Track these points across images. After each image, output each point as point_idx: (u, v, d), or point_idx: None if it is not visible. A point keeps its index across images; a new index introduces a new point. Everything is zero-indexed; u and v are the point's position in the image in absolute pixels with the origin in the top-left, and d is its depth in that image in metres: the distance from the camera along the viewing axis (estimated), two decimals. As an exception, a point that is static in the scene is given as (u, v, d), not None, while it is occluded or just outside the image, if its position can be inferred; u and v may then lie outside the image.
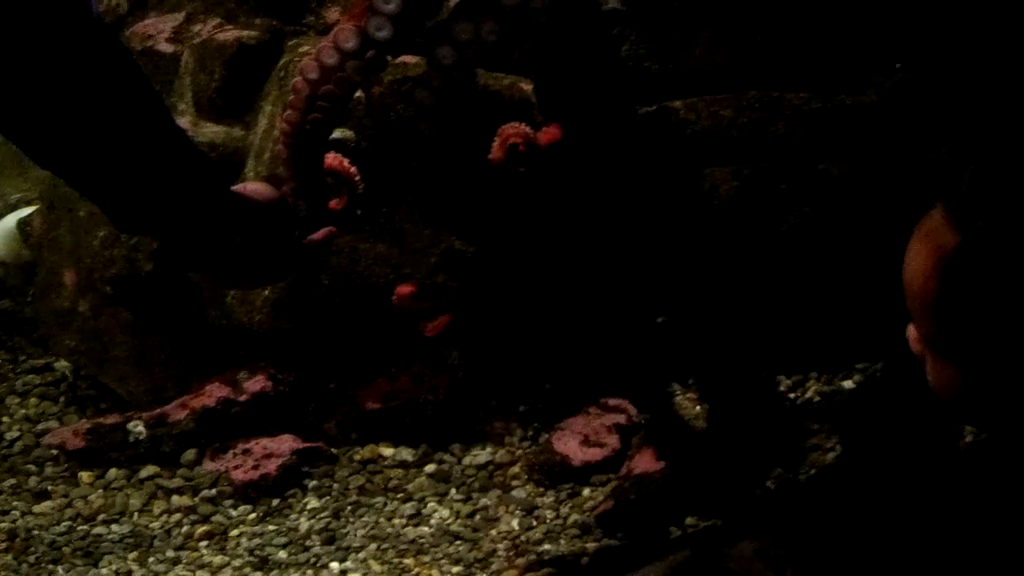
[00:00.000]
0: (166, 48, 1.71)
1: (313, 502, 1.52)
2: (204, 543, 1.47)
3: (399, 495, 1.52)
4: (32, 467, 1.65)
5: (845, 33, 1.55)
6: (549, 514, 1.46)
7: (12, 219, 1.98)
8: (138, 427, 1.59)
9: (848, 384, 1.59)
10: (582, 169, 1.52)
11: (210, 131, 1.62)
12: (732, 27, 1.57)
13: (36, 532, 1.51)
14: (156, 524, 1.51)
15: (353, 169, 1.26)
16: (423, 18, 1.10)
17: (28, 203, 2.08)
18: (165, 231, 1.09)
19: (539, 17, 1.01)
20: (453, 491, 1.52)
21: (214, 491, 1.54)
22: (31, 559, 1.46)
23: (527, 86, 1.57)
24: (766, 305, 1.59)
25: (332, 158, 1.23)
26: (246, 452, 1.54)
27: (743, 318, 1.60)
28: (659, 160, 1.58)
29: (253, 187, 1.11)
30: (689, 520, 1.39)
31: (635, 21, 1.62)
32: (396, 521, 1.47)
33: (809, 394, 1.60)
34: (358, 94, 1.27)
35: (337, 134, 1.42)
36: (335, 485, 1.54)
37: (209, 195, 1.04)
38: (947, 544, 1.01)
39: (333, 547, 1.43)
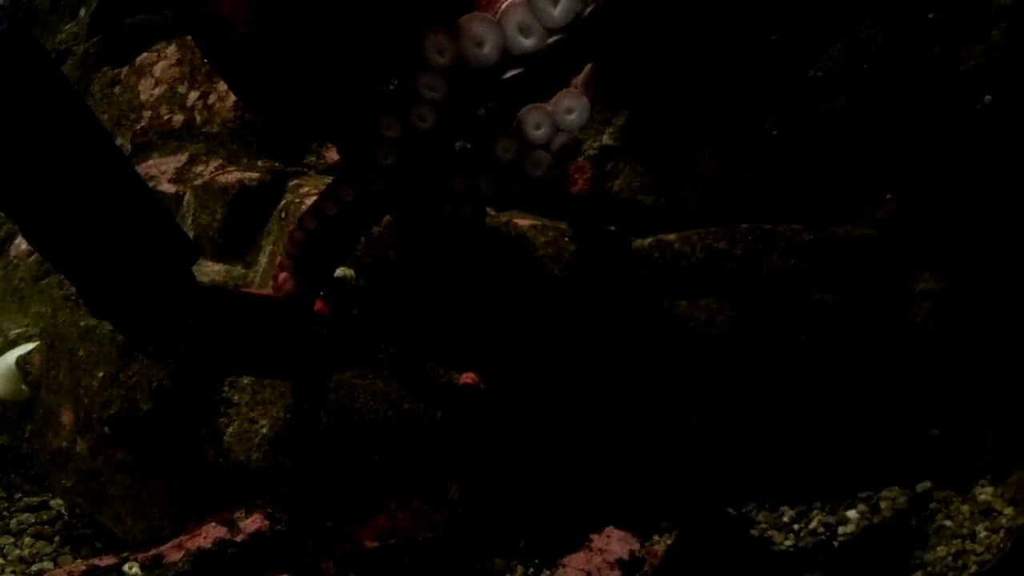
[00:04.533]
0: (169, 188, 1.75)
1: (311, 646, 1.48)
2: None
3: (398, 638, 1.49)
4: (26, 611, 1.62)
5: (835, 165, 1.58)
6: (551, 656, 1.43)
7: (12, 356, 1.98)
8: (133, 569, 1.56)
9: (852, 514, 1.58)
10: (577, 304, 1.53)
11: (211, 269, 1.64)
12: (723, 161, 1.61)
13: None
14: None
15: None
16: (422, 171, 1.12)
17: (28, 339, 2.09)
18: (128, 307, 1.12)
19: (534, 173, 1.03)
20: (453, 632, 1.49)
21: (210, 635, 1.51)
22: None
23: (523, 221, 1.59)
24: (767, 435, 1.59)
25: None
26: (243, 595, 1.51)
27: (743, 449, 1.60)
28: (655, 291, 1.60)
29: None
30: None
31: (628, 156, 1.66)
32: (395, 665, 1.44)
33: (813, 524, 1.58)
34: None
35: (338, 273, 1.45)
36: (333, 627, 1.51)
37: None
38: None
39: None
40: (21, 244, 2.33)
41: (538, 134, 1.02)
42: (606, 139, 1.69)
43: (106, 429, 1.59)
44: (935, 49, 1.49)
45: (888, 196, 1.59)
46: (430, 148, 1.05)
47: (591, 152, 1.69)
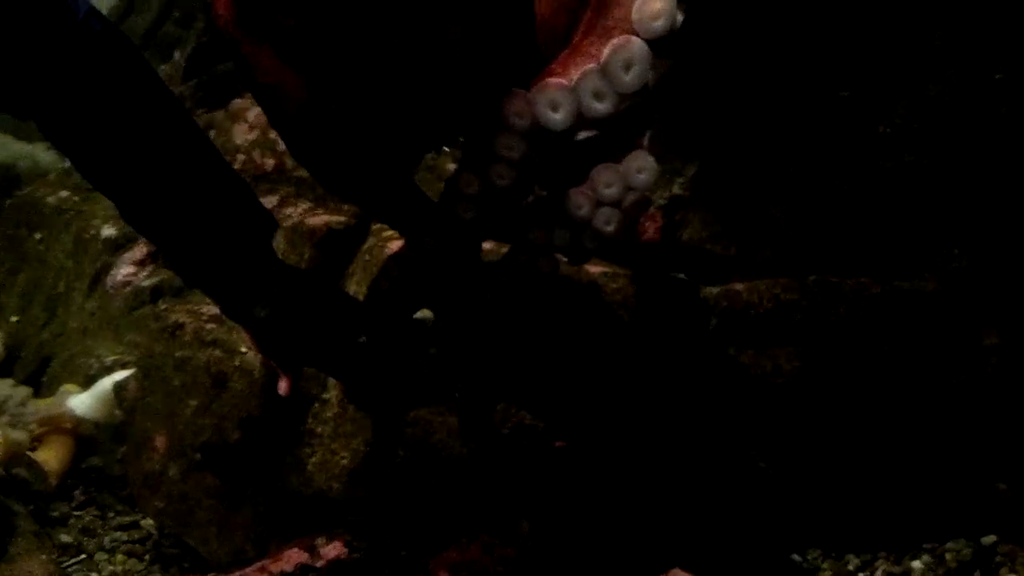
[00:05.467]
0: (261, 228, 1.84)
1: (384, 669, 1.54)
2: None
3: (469, 665, 1.54)
4: (119, 625, 1.71)
5: (903, 219, 1.61)
6: None
7: (108, 382, 2.09)
8: (218, 589, 1.65)
9: (917, 564, 1.59)
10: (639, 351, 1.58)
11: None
12: (792, 213, 1.64)
13: None
14: None
15: None
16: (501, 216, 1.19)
17: (122, 366, 2.20)
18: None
19: (605, 229, 1.10)
20: (521, 662, 1.53)
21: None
22: None
23: (594, 268, 1.65)
24: (833, 484, 1.61)
25: None
26: (321, 617, 1.58)
27: (810, 496, 1.62)
28: (722, 340, 1.63)
29: None
30: None
31: (698, 206, 1.71)
32: None
33: (878, 573, 1.59)
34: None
35: (418, 315, 1.52)
36: (406, 653, 1.57)
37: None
38: None
39: None
40: (117, 275, 2.45)
41: (610, 192, 1.09)
42: (676, 189, 1.73)
43: (197, 455, 1.68)
44: (1002, 109, 1.52)
45: (955, 251, 1.60)
46: (508, 203, 1.12)
47: (662, 201, 1.74)
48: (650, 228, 1.75)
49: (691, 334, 1.64)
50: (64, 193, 2.88)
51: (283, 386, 1.42)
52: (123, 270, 2.40)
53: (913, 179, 1.58)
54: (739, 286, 1.65)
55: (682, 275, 1.72)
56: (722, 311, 1.64)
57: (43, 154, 3.58)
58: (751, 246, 1.68)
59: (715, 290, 1.66)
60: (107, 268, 2.49)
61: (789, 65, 1.63)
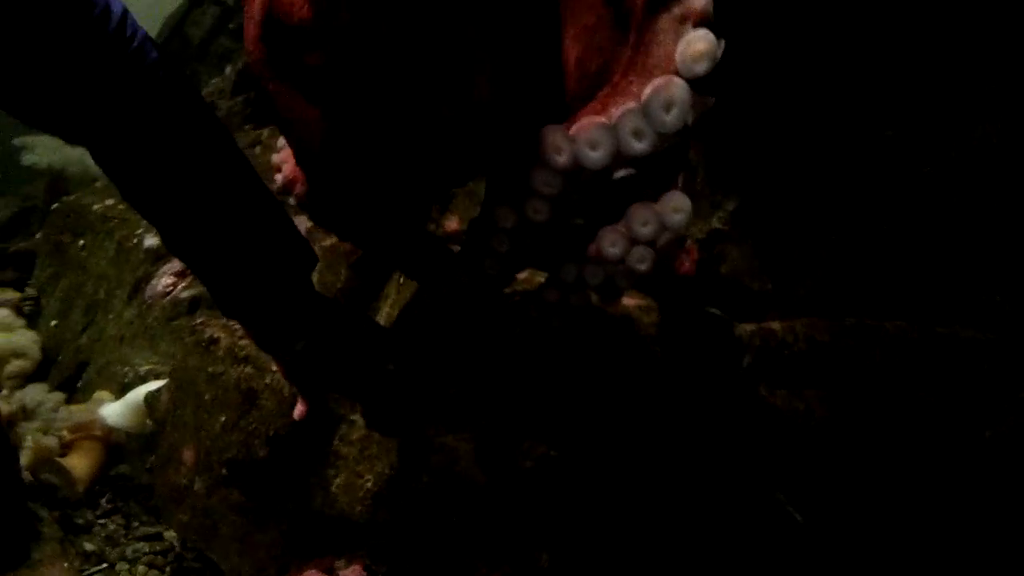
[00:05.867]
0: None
1: None
2: None
3: None
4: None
5: (945, 264, 1.59)
6: None
7: (142, 391, 2.11)
8: (238, 604, 1.65)
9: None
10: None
11: (332, 327, 1.73)
12: (832, 253, 1.62)
13: None
14: None
15: None
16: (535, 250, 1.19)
17: (156, 376, 2.22)
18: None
19: (639, 267, 1.09)
20: None
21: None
22: None
23: (629, 301, 1.64)
24: (864, 534, 1.58)
25: None
26: (337, 639, 1.58)
27: (839, 546, 1.59)
28: (755, 378, 1.62)
29: None
30: None
31: (737, 241, 1.69)
32: None
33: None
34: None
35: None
36: None
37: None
38: None
39: None
40: (157, 285, 2.47)
41: (645, 231, 1.08)
42: (715, 223, 1.72)
43: (224, 471, 1.69)
44: (1050, 156, 1.50)
45: (997, 298, 1.58)
46: (544, 238, 1.12)
47: (700, 235, 1.73)
48: (687, 262, 1.74)
49: (724, 371, 1.63)
50: (110, 201, 2.92)
51: (299, 411, 1.44)
52: (163, 280, 2.43)
53: (956, 223, 1.56)
54: (775, 325, 1.64)
55: (717, 310, 1.71)
56: (756, 349, 1.63)
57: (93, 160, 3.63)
58: (789, 283, 1.67)
59: (750, 327, 1.65)
60: (148, 278, 2.52)
61: (834, 103, 1.61)
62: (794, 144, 1.64)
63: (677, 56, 0.97)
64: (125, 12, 1.11)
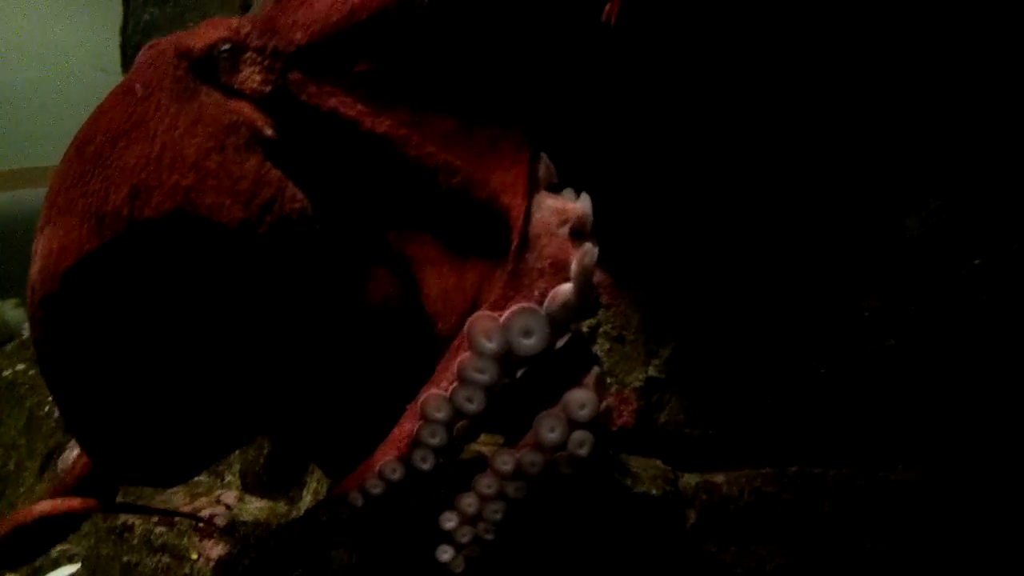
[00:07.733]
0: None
1: None
2: None
3: None
4: None
5: (886, 408, 1.57)
6: None
7: (56, 576, 1.98)
8: None
9: None
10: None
11: (254, 507, 1.64)
12: (772, 399, 1.60)
13: None
14: None
15: None
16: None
17: (70, 559, 2.08)
18: None
19: (580, 453, 1.04)
20: None
21: None
22: None
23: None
24: None
25: None
26: None
27: None
28: (702, 535, 1.57)
29: None
30: None
31: (674, 388, 1.66)
32: None
33: None
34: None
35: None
36: None
37: None
38: None
39: None
40: (68, 458, 2.34)
41: (583, 413, 1.03)
42: (652, 371, 1.69)
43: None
44: (983, 296, 1.50)
45: (940, 439, 1.56)
46: (478, 429, 1.06)
47: (637, 384, 1.69)
48: (625, 412, 1.69)
49: (669, 530, 1.57)
50: (20, 366, 2.80)
51: None
52: (75, 452, 2.30)
53: (896, 364, 1.55)
54: (719, 477, 1.60)
55: (659, 461, 1.66)
56: (702, 504, 1.58)
57: (11, 311, 3.53)
58: (730, 430, 1.63)
59: (693, 480, 1.60)
60: (60, 448, 2.39)
61: (759, 249, 1.61)
62: (727, 289, 1.63)
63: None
64: None
